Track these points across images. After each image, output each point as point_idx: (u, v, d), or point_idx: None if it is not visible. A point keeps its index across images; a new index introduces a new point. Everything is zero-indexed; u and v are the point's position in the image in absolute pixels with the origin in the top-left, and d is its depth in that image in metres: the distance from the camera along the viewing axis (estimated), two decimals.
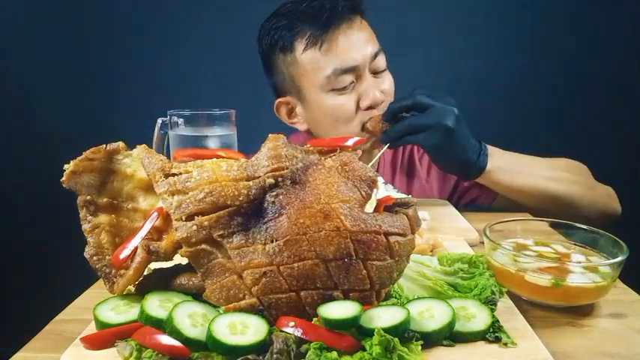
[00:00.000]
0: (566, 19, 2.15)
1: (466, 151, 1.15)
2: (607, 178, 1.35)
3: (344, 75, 1.25)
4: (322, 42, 1.24)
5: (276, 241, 0.61)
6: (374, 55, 1.27)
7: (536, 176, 1.21)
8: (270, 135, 0.69)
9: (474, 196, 1.50)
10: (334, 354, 0.55)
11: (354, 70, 1.25)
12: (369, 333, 0.57)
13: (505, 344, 0.61)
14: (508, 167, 1.20)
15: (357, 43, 1.26)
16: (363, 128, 1.26)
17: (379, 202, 0.69)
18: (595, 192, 1.28)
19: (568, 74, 2.20)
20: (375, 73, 1.31)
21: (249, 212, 0.63)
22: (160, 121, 1.09)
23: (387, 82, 1.33)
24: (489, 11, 2.20)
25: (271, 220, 0.62)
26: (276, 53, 1.32)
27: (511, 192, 1.25)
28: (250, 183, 0.63)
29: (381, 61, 1.31)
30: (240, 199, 0.62)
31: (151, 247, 0.65)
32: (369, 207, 0.67)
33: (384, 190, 1.07)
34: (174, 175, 0.65)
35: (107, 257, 0.67)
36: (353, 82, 1.27)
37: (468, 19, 2.22)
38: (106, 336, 0.61)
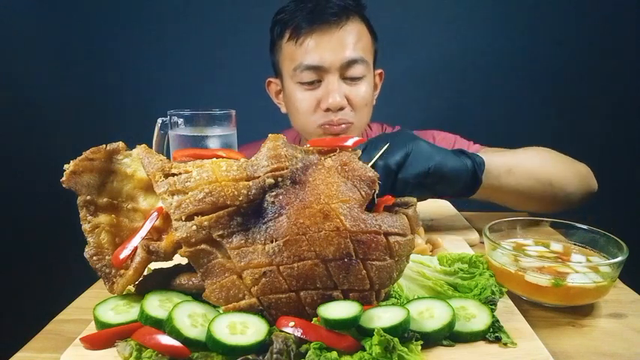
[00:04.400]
0: (568, 16, 2.15)
1: (455, 159, 0.97)
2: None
3: (307, 71, 1.30)
4: (301, 36, 1.30)
5: (276, 241, 0.61)
6: (348, 61, 1.29)
7: (526, 165, 1.12)
8: (270, 135, 0.69)
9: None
10: (334, 354, 0.55)
11: (317, 70, 1.30)
12: (369, 333, 0.57)
13: (505, 344, 0.61)
14: (495, 169, 1.05)
15: (332, 44, 1.29)
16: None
17: (379, 202, 0.69)
18: (575, 166, 1.24)
19: (569, 72, 2.20)
20: (348, 79, 1.32)
21: (249, 212, 0.63)
22: (159, 121, 1.09)
23: (360, 92, 1.34)
24: (488, 11, 2.21)
25: (271, 220, 0.62)
26: (275, 35, 1.41)
27: (507, 191, 1.11)
28: (250, 183, 0.63)
29: (357, 70, 1.32)
30: (240, 199, 0.62)
31: (150, 247, 0.65)
32: None
33: None
34: (174, 175, 0.65)
35: (107, 257, 0.67)
36: (318, 80, 1.32)
37: (467, 18, 2.22)
38: (106, 336, 0.61)
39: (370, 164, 0.74)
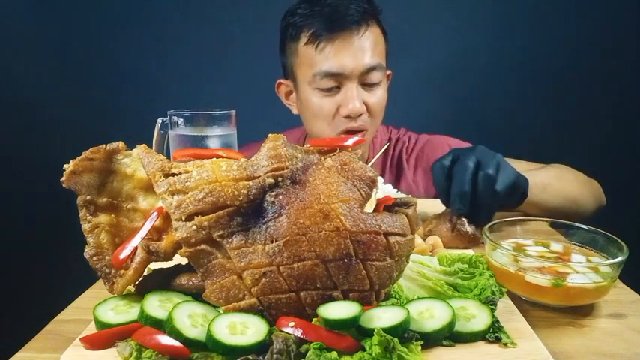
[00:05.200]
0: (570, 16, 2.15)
1: (513, 172, 1.00)
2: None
3: (327, 78, 1.29)
4: (320, 42, 1.28)
5: (276, 241, 0.61)
6: (368, 68, 1.29)
7: (557, 184, 1.20)
8: (270, 135, 0.69)
9: None
10: (334, 354, 0.55)
11: (338, 76, 1.29)
12: (368, 333, 0.57)
13: (505, 344, 0.61)
14: (534, 186, 1.10)
15: (352, 51, 1.28)
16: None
17: (379, 202, 0.69)
18: (592, 184, 1.31)
19: (569, 72, 2.20)
20: (366, 85, 1.32)
21: (249, 212, 0.63)
22: (160, 121, 1.09)
23: (376, 97, 1.34)
24: (489, 12, 2.20)
25: (271, 220, 0.62)
26: (287, 37, 1.39)
27: (540, 207, 1.16)
28: (250, 183, 0.63)
29: (375, 76, 1.32)
30: (240, 199, 0.62)
31: (150, 247, 0.65)
32: (369, 207, 0.67)
33: (383, 191, 1.07)
34: (173, 175, 0.65)
35: (107, 257, 0.67)
36: (337, 87, 1.31)
37: (468, 19, 2.23)
38: (106, 336, 0.61)
39: (370, 164, 0.74)
